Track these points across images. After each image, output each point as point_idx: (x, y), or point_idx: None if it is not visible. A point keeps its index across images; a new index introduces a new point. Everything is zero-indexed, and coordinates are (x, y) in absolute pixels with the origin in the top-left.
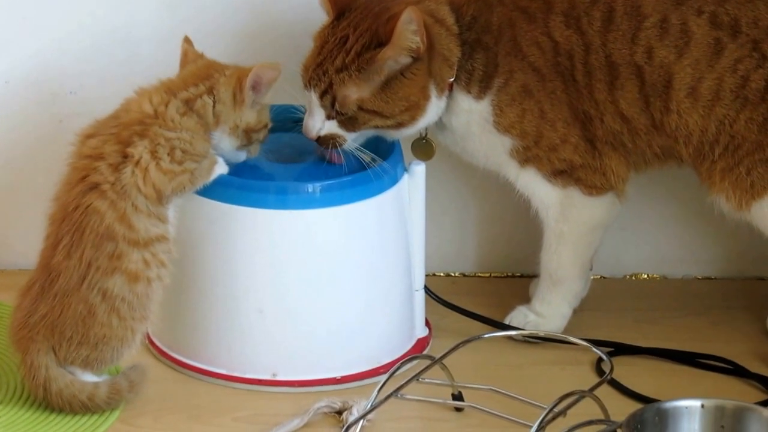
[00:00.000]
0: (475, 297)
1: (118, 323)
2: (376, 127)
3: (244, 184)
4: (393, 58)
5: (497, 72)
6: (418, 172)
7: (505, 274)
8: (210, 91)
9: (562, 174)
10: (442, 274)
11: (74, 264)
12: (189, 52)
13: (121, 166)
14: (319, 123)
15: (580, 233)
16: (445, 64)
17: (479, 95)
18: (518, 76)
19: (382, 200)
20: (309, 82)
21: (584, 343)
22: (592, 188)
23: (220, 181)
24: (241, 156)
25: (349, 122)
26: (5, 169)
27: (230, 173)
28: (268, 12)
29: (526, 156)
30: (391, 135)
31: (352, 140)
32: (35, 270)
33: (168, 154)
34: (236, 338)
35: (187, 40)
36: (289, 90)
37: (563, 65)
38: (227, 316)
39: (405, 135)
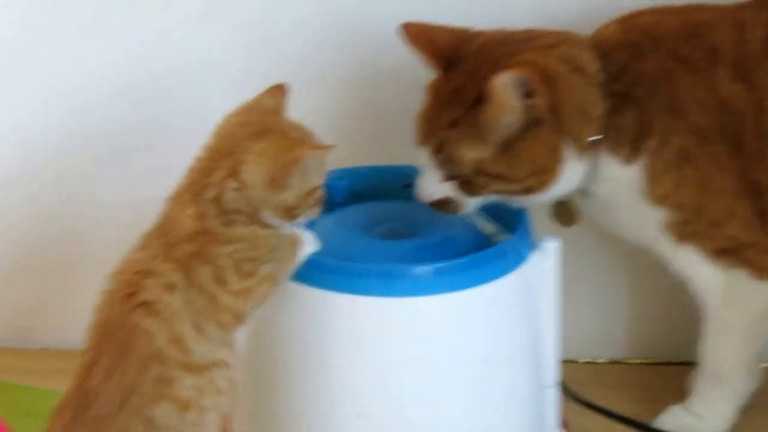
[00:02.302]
0: (622, 390)
1: None
2: (500, 192)
3: (339, 267)
4: (497, 119)
5: (650, 132)
6: (550, 250)
7: (660, 361)
8: (231, 174)
9: (727, 253)
10: (584, 361)
11: (114, 387)
12: (259, 105)
13: (179, 291)
14: (433, 185)
15: (747, 323)
16: (585, 120)
17: (629, 159)
18: (675, 139)
19: (505, 284)
20: (421, 138)
21: None
22: (764, 271)
23: (311, 263)
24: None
25: (467, 186)
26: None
27: (324, 252)
28: (375, 54)
29: (684, 231)
30: (520, 202)
31: (472, 206)
32: (69, 390)
33: (235, 273)
34: None
35: (279, 88)
36: (400, 149)
37: (730, 126)
38: (321, 420)
39: (538, 202)
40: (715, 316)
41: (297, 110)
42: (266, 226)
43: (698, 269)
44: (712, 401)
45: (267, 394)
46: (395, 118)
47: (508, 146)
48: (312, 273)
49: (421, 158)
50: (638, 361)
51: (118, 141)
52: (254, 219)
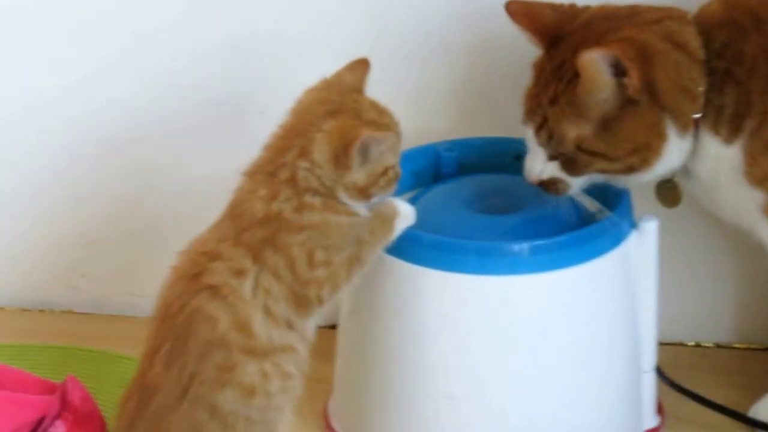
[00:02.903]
0: (727, 375)
1: None
2: (603, 171)
3: (435, 242)
4: (589, 94)
5: (750, 112)
6: (649, 230)
7: (766, 347)
8: (303, 154)
9: None
10: (691, 344)
11: (174, 376)
12: (340, 81)
13: (249, 277)
14: (539, 164)
15: None
16: (687, 97)
17: (729, 139)
18: None
19: (604, 264)
20: (526, 115)
21: None
22: None
23: (407, 237)
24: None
25: (570, 164)
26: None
27: (423, 226)
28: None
29: None
30: (624, 181)
31: (577, 186)
32: (133, 379)
33: (307, 264)
34: (420, 427)
35: (362, 63)
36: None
37: None
38: (410, 401)
39: (642, 181)
40: None
41: (410, 80)
42: (342, 210)
43: None
44: None
45: (357, 373)
46: (509, 90)
47: (607, 124)
48: (406, 247)
49: (527, 137)
50: (744, 345)
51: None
52: (329, 202)
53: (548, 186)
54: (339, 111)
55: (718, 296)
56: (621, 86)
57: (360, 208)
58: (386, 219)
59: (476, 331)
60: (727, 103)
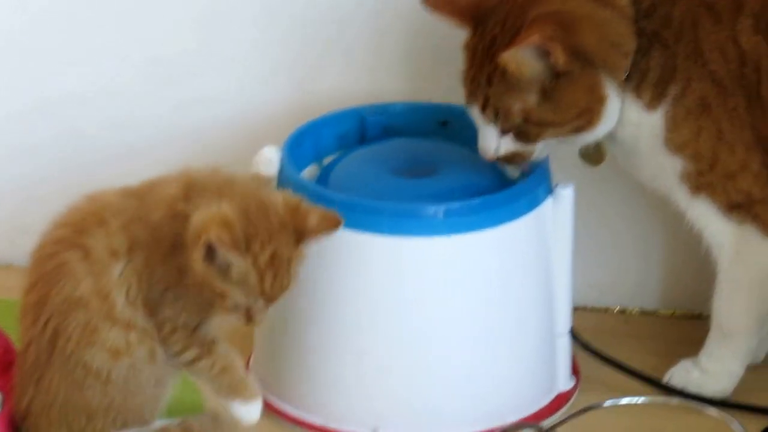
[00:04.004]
0: (647, 341)
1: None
2: (554, 136)
3: (350, 202)
4: (522, 77)
5: (674, 78)
6: (564, 197)
7: (692, 314)
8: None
9: (738, 208)
10: (616, 309)
11: (40, 329)
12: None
13: (120, 263)
14: (493, 142)
15: (756, 280)
16: (618, 52)
17: (651, 104)
18: (696, 86)
19: (517, 228)
20: (468, 97)
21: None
22: None
23: (323, 198)
24: None
25: (523, 135)
26: None
27: (339, 188)
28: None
29: (698, 182)
30: (578, 141)
31: (538, 153)
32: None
33: (160, 297)
34: (333, 385)
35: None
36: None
37: (749, 78)
38: (324, 358)
39: (591, 140)
40: (726, 271)
41: (340, 44)
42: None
43: (711, 223)
44: (719, 358)
45: (272, 331)
46: (437, 54)
47: (547, 94)
48: (323, 207)
49: (474, 116)
50: (669, 312)
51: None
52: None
53: (509, 160)
54: None
55: (643, 263)
56: (550, 64)
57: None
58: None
59: (390, 290)
60: (653, 67)
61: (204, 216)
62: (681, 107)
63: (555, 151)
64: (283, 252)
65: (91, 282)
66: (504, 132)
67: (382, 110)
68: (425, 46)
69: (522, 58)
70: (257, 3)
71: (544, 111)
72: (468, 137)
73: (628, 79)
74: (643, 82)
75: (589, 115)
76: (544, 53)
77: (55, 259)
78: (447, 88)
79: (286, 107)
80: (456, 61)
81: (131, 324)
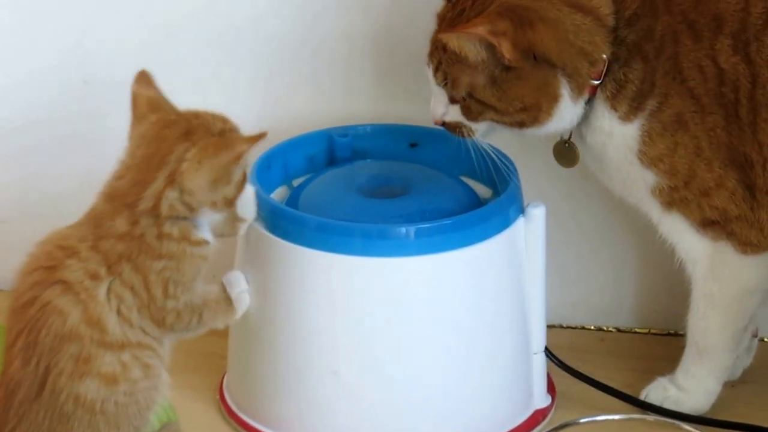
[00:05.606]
0: (626, 359)
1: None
2: (496, 121)
3: (322, 224)
4: (468, 61)
5: (653, 92)
6: (536, 216)
7: (667, 332)
8: (171, 184)
9: (713, 225)
10: (592, 328)
11: (31, 371)
12: (140, 99)
13: (103, 282)
14: (442, 106)
15: (731, 297)
16: (585, 60)
17: (627, 116)
18: (674, 102)
19: (489, 248)
20: (427, 57)
21: None
22: (747, 245)
23: (293, 218)
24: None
25: (467, 110)
26: None
27: (310, 209)
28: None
29: (672, 198)
30: (519, 134)
31: (480, 133)
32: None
33: (162, 293)
34: (307, 403)
35: (141, 77)
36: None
37: (727, 97)
38: (298, 376)
39: (537, 136)
40: (701, 288)
41: (310, 66)
42: (195, 240)
43: (684, 238)
44: (695, 375)
45: (247, 348)
46: (407, 76)
47: (495, 81)
48: (294, 229)
49: (429, 78)
50: (645, 330)
51: None
52: (187, 229)
53: (453, 129)
54: (189, 132)
55: (619, 282)
56: (497, 56)
57: (209, 234)
58: (220, 311)
59: (362, 311)
60: (632, 80)
61: None
62: (657, 122)
63: (523, 162)
64: None
65: (79, 311)
66: (452, 101)
67: (351, 132)
68: (395, 69)
69: (464, 44)
70: (225, 25)
71: (489, 95)
72: (438, 159)
73: (602, 86)
74: (620, 94)
75: (535, 111)
76: (491, 45)
77: (36, 303)
78: (416, 110)
79: (256, 130)
80: (426, 85)
81: (124, 343)
